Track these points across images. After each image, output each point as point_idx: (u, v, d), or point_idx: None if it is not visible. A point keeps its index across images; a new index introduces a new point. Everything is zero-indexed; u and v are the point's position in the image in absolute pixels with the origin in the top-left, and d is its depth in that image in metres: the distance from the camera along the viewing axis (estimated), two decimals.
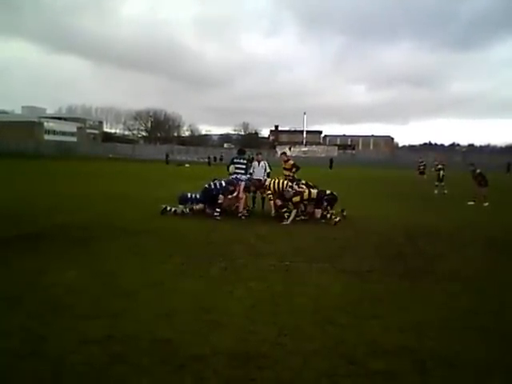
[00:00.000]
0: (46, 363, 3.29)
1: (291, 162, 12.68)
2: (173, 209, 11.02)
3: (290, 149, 73.32)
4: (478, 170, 16.61)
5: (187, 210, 11.06)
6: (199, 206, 11.13)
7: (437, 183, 20.72)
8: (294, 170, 12.41)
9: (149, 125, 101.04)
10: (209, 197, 10.87)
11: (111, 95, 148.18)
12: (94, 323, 4.04)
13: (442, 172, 20.78)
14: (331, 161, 56.60)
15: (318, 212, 10.71)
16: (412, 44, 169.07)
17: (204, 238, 8.22)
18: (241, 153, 12.67)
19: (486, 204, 15.31)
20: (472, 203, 15.58)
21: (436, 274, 6.15)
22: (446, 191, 19.97)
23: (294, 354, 3.57)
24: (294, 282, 5.55)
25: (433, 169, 23.75)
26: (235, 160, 12.17)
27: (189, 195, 11.28)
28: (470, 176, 17.01)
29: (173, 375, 3.18)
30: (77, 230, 8.49)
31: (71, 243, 7.38)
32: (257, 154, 13.13)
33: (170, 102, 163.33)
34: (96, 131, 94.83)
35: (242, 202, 11.31)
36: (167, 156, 56.17)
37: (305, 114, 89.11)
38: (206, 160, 57.60)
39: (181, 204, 11.16)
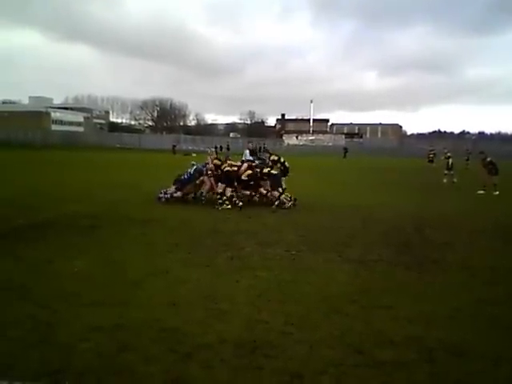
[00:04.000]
0: (54, 351, 3.31)
1: (273, 157, 13.04)
2: (163, 194, 11.41)
3: (296, 137, 72.83)
4: (489, 158, 16.37)
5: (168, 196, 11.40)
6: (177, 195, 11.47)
7: (446, 172, 20.49)
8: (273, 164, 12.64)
9: (155, 114, 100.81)
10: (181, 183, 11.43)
11: (117, 84, 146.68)
12: (102, 311, 4.07)
13: (450, 160, 20.53)
14: (345, 149, 55.71)
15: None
16: (427, 28, 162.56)
17: (210, 227, 8.22)
18: (253, 154, 12.76)
19: (497, 193, 15.13)
20: (482, 192, 15.42)
21: (444, 263, 6.10)
22: (455, 180, 19.75)
23: (301, 342, 3.56)
24: (300, 271, 5.54)
25: (442, 157, 23.53)
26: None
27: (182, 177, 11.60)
28: (480, 164, 16.81)
29: (180, 363, 3.19)
30: (84, 220, 8.52)
31: (78, 232, 7.41)
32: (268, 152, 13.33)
33: (177, 91, 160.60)
34: (103, 121, 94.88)
35: (207, 187, 11.39)
36: (174, 146, 56.04)
37: (311, 102, 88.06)
38: (213, 149, 57.42)
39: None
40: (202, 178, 11.47)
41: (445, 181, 19.89)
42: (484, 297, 4.76)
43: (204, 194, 11.38)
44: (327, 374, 3.10)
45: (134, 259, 5.88)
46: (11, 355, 3.25)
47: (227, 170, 10.93)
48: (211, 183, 11.35)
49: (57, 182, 15.52)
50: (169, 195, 11.40)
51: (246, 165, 11.49)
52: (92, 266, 5.53)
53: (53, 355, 3.25)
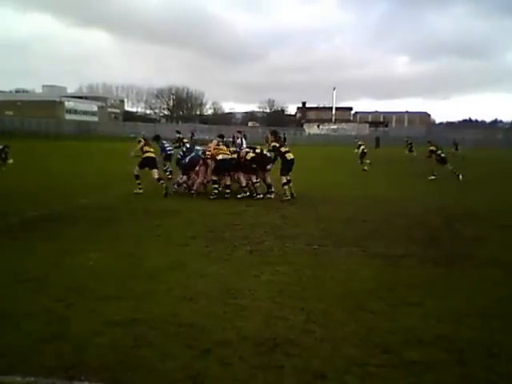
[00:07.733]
0: (69, 346, 3.25)
1: (273, 144, 12.36)
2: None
3: (318, 126, 71.56)
4: (432, 147, 16.23)
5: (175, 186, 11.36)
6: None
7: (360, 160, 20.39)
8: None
9: (171, 103, 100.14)
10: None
11: (132, 72, 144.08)
12: (118, 305, 4.00)
13: (361, 148, 20.59)
14: (377, 139, 54.53)
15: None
16: (465, 9, 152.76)
17: (228, 219, 8.09)
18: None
19: (432, 177, 15.53)
20: (433, 178, 15.65)
21: (474, 259, 5.84)
22: (366, 167, 19.58)
23: (324, 341, 3.42)
24: (322, 266, 5.37)
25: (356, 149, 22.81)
26: None
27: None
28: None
29: (198, 360, 3.08)
30: (99, 212, 8.51)
31: (93, 225, 7.39)
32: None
33: (194, 79, 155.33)
34: (117, 110, 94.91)
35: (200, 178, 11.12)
36: (192, 135, 55.72)
37: (334, 89, 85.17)
38: (230, 139, 57.16)
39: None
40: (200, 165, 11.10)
41: (365, 168, 19.73)
42: None
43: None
44: (351, 374, 2.95)
45: (150, 252, 5.80)
46: (25, 349, 3.19)
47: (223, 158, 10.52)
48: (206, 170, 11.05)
49: (70, 172, 15.64)
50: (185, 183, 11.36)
51: (247, 149, 11.21)
52: (107, 259, 5.47)
53: (67, 350, 3.18)
